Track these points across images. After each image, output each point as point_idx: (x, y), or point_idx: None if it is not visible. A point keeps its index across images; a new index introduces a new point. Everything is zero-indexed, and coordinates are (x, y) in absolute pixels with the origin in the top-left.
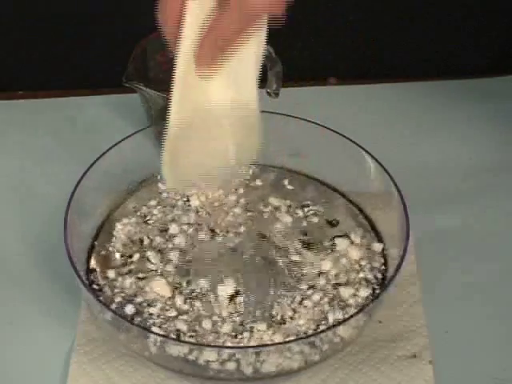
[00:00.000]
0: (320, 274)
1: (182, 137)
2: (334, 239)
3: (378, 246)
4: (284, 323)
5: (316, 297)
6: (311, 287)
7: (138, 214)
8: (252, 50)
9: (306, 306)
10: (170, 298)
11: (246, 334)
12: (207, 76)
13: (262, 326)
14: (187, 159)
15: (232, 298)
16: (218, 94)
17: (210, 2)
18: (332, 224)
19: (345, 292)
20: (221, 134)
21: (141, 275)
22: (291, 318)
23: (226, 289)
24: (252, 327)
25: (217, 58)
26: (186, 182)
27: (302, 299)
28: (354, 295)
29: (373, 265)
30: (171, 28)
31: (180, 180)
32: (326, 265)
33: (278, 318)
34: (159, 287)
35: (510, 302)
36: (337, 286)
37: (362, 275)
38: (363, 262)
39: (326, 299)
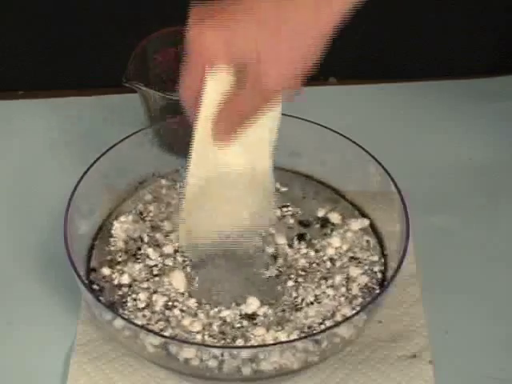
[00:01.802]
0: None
1: (199, 199)
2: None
3: (364, 222)
4: (300, 309)
5: (338, 278)
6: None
7: (134, 211)
8: (267, 122)
9: (328, 295)
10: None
11: (246, 333)
12: (223, 145)
13: (262, 330)
14: (202, 221)
15: (253, 315)
16: (233, 160)
17: (228, 77)
18: (305, 224)
19: (354, 271)
20: (235, 198)
21: (156, 271)
22: (311, 303)
23: (249, 307)
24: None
25: (232, 131)
26: (201, 248)
27: (326, 279)
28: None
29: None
30: (191, 100)
31: (194, 243)
32: (336, 241)
33: (299, 300)
34: (175, 279)
35: (510, 302)
36: (352, 259)
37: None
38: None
39: (343, 287)
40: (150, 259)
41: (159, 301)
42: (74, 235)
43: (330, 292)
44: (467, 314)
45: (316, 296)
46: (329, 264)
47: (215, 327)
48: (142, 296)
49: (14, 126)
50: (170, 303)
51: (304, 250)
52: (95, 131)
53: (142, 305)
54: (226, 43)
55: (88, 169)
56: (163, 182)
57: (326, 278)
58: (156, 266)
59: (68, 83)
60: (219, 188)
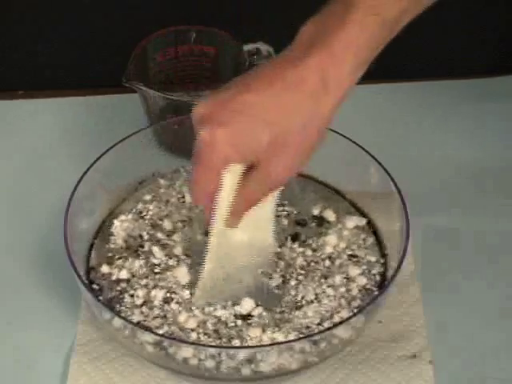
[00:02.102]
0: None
1: (214, 270)
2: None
3: (361, 220)
4: (300, 308)
5: (338, 278)
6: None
7: (134, 210)
8: (268, 203)
9: (328, 295)
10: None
11: (242, 334)
12: (233, 226)
13: (258, 331)
14: (217, 287)
15: (247, 316)
16: (240, 236)
17: (240, 170)
18: (301, 224)
19: (353, 271)
20: (243, 266)
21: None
22: (311, 301)
23: (244, 307)
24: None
25: (241, 216)
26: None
27: (326, 278)
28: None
29: (371, 260)
30: (205, 196)
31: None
32: (332, 239)
33: (299, 298)
34: (179, 273)
35: (510, 302)
36: (351, 257)
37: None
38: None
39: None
40: (155, 257)
41: (158, 295)
42: (73, 235)
43: (330, 292)
44: (467, 314)
45: (316, 295)
46: (328, 262)
47: (209, 325)
48: (140, 292)
49: (14, 125)
50: (168, 295)
51: (300, 249)
52: (95, 131)
53: (140, 301)
54: (238, 148)
55: (88, 169)
56: (162, 181)
57: (326, 277)
58: (159, 265)
59: (68, 83)
60: (231, 260)
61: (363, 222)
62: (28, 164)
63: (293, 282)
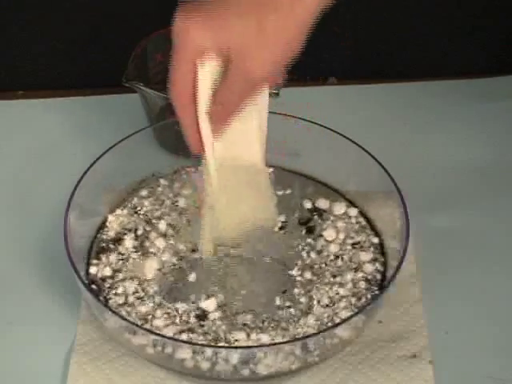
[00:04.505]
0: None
1: (216, 203)
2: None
3: (354, 211)
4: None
5: (349, 275)
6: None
7: (129, 205)
8: (255, 116)
9: (340, 295)
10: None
11: (238, 334)
12: (217, 136)
13: (241, 334)
14: (223, 214)
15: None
16: (226, 153)
17: (218, 67)
18: (302, 223)
19: (365, 256)
20: (237, 191)
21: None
22: (327, 305)
23: (210, 303)
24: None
25: (225, 122)
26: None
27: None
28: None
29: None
30: (182, 95)
31: (220, 236)
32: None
33: (312, 301)
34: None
35: (510, 302)
36: (355, 245)
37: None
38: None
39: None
40: (127, 249)
41: (130, 291)
42: (73, 235)
43: (342, 292)
44: (467, 314)
45: (330, 298)
46: (340, 262)
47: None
48: (120, 290)
49: (14, 126)
50: (138, 290)
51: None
52: (95, 131)
53: (122, 300)
54: (211, 35)
55: (88, 169)
56: (161, 180)
57: (335, 276)
58: (130, 257)
59: (68, 83)
60: (226, 181)
61: (355, 211)
62: (28, 164)
63: (301, 290)
